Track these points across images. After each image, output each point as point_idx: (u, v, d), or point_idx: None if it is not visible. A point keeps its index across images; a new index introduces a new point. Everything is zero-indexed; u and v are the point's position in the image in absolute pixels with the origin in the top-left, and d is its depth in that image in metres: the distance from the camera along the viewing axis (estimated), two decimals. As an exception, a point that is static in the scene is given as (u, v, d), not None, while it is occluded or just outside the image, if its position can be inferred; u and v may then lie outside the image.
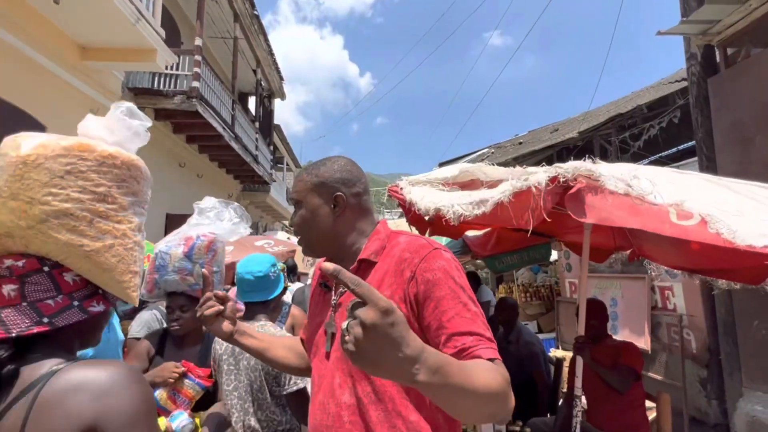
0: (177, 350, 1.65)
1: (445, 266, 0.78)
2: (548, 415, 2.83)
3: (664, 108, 6.48)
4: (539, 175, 1.25)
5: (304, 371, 1.06)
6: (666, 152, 7.52)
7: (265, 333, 1.14)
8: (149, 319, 2.34)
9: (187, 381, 1.50)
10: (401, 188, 1.71)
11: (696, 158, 3.63)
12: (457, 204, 1.34)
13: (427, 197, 1.48)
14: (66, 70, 4.88)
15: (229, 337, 0.99)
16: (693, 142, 7.29)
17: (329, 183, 0.90)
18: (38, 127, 4.58)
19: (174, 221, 7.71)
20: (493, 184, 1.41)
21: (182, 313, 1.61)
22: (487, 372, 0.64)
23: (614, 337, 3.87)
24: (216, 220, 1.74)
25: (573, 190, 1.24)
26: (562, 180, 1.23)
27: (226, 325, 0.98)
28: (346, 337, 0.52)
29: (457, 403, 0.59)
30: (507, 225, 1.47)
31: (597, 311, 2.41)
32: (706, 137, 3.22)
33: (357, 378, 0.80)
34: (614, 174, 1.23)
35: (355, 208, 0.91)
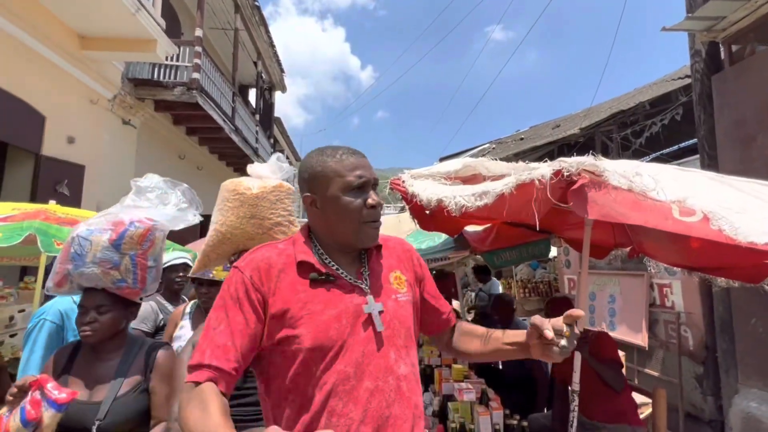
0: (91, 362, 1.31)
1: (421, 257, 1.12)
2: (546, 410, 2.86)
3: (666, 105, 6.46)
4: (543, 168, 1.24)
5: None
6: (667, 149, 7.51)
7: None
8: (144, 312, 2.24)
9: (37, 400, 1.13)
10: (403, 181, 1.70)
11: (697, 156, 3.63)
12: (459, 195, 1.34)
13: (429, 189, 1.47)
14: (65, 59, 4.84)
15: None
16: (695, 140, 7.28)
17: None
18: (37, 117, 4.55)
19: (174, 213, 7.71)
20: (495, 179, 1.40)
21: (98, 315, 1.29)
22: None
23: (610, 333, 3.89)
24: (158, 204, 1.47)
25: (576, 185, 1.24)
26: (566, 174, 1.22)
27: None
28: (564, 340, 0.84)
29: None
30: (509, 218, 1.47)
31: (566, 308, 2.42)
32: (708, 135, 3.21)
33: (410, 346, 0.92)
34: (617, 170, 1.23)
35: None
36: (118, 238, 1.32)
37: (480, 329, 1.05)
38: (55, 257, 1.41)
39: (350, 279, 0.90)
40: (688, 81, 6.14)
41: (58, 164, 4.80)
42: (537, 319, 0.86)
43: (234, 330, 0.80)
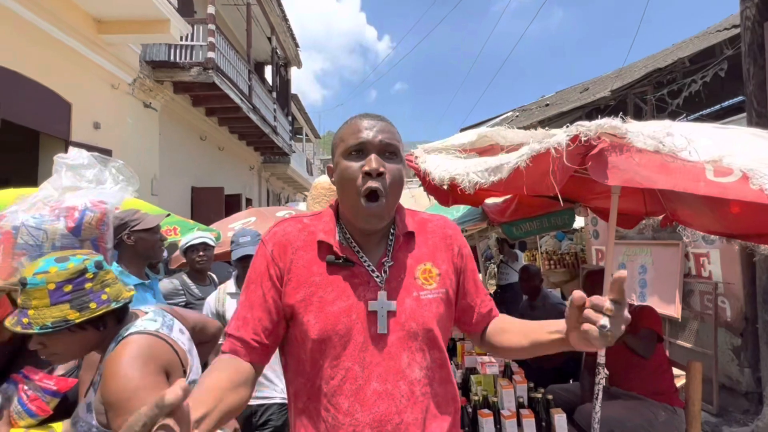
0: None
1: (468, 245, 0.96)
2: (571, 381, 2.83)
3: (708, 60, 5.93)
4: (559, 136, 1.14)
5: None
6: (708, 110, 6.96)
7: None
8: (167, 291, 2.31)
9: (34, 396, 1.17)
10: (416, 157, 1.62)
11: (743, 114, 3.32)
12: (472, 172, 1.26)
13: (441, 166, 1.39)
14: (84, 45, 4.90)
15: None
16: (740, 98, 6.70)
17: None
18: (64, 104, 4.68)
19: (199, 194, 7.92)
20: (513, 149, 1.31)
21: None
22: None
23: (639, 303, 3.76)
24: (96, 183, 1.41)
25: (595, 150, 1.13)
26: (584, 139, 1.12)
27: None
28: (604, 319, 0.64)
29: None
30: (530, 192, 1.39)
31: (602, 281, 2.32)
32: (757, 90, 2.92)
33: (431, 348, 0.81)
34: (643, 131, 1.11)
35: None
36: (76, 225, 1.27)
37: (516, 322, 0.91)
38: None
39: (369, 267, 0.81)
40: (735, 32, 5.57)
41: (87, 150, 4.94)
42: (576, 294, 0.66)
43: (253, 303, 0.81)
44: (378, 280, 0.80)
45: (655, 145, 1.08)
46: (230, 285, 2.14)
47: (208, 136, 8.49)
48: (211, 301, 2.12)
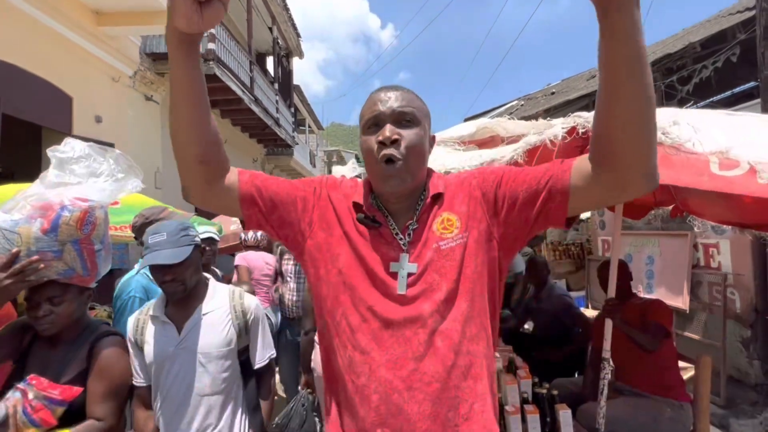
0: (45, 350, 1.24)
1: (497, 169, 0.86)
2: (576, 374, 2.81)
3: (720, 45, 5.76)
4: (555, 128, 1.08)
5: (210, 157, 0.80)
6: (719, 96, 6.79)
7: None
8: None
9: (39, 405, 1.13)
10: None
11: (757, 100, 3.22)
12: (467, 166, 1.21)
13: (438, 160, 1.34)
14: (84, 38, 4.86)
15: (184, 36, 0.66)
16: (753, 83, 6.52)
17: (430, 119, 0.89)
18: (65, 98, 4.66)
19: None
20: (514, 140, 1.26)
21: (53, 306, 1.20)
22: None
23: (648, 296, 3.72)
24: (89, 177, 1.25)
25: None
26: (581, 131, 1.06)
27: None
28: None
29: (639, 53, 0.60)
30: None
31: (619, 271, 2.28)
32: (772, 75, 2.83)
33: (457, 299, 0.78)
34: None
35: (430, 152, 0.91)
36: (51, 226, 1.14)
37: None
38: None
39: (394, 230, 0.84)
40: (748, 14, 5.40)
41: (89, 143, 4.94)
42: None
43: (281, 182, 0.88)
44: (401, 242, 0.82)
45: (658, 136, 1.02)
46: (155, 306, 1.38)
47: (210, 128, 8.45)
48: (129, 326, 1.37)
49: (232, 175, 0.84)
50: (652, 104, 0.62)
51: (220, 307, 1.37)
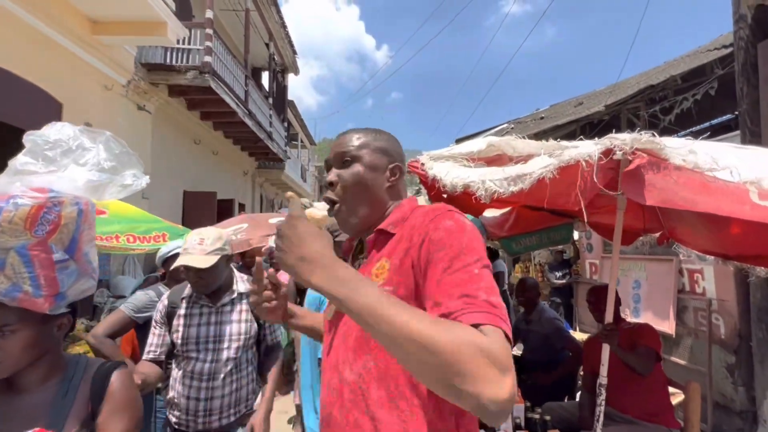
0: (7, 400, 0.91)
1: (452, 226, 0.70)
2: (566, 398, 2.79)
3: (700, 79, 6.05)
4: (588, 147, 1.08)
5: None
6: (699, 126, 7.09)
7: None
8: (140, 303, 2.03)
9: None
10: (422, 164, 1.58)
11: (735, 132, 3.36)
12: (489, 180, 1.19)
13: (452, 172, 1.33)
14: (78, 45, 4.83)
15: (285, 319, 0.98)
16: (729, 116, 6.83)
17: (390, 151, 0.89)
18: (55, 105, 4.59)
19: (191, 199, 7.80)
20: (521, 159, 1.27)
21: (1, 338, 0.87)
22: (441, 325, 0.55)
23: (635, 320, 3.74)
24: (69, 164, 0.95)
25: (631, 167, 1.05)
26: (618, 153, 1.06)
27: (282, 314, 0.95)
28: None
29: (378, 337, 0.57)
30: (549, 205, 1.32)
31: (605, 297, 2.31)
32: (751, 109, 2.96)
33: (359, 353, 0.75)
34: (676, 147, 1.06)
35: (400, 184, 0.90)
36: None
37: None
38: None
39: (350, 262, 0.92)
40: (725, 51, 5.70)
41: (77, 151, 4.85)
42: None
43: None
44: None
45: (694, 162, 1.03)
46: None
47: (202, 140, 8.40)
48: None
49: None
50: (415, 366, 0.56)
51: None
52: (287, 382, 3.67)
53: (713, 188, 1.02)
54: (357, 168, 0.83)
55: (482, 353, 0.53)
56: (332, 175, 0.85)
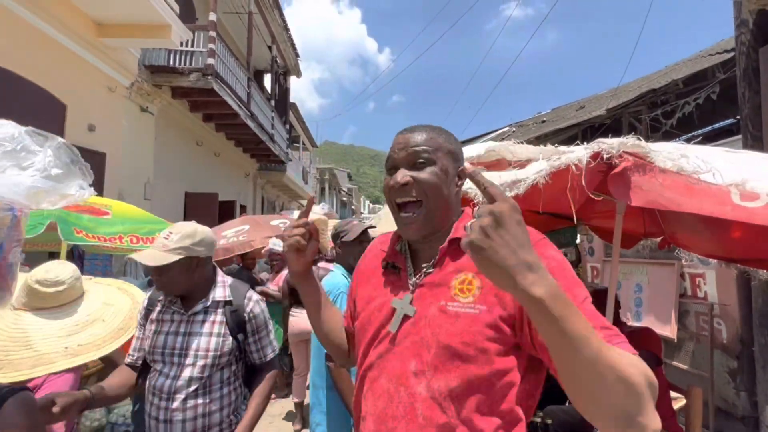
0: None
1: (558, 257, 0.72)
2: (567, 402, 2.78)
3: (701, 83, 6.05)
4: (579, 152, 1.12)
5: (341, 354, 1.00)
6: (701, 131, 7.09)
7: None
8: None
9: None
10: None
11: (738, 137, 3.37)
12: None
13: None
14: (83, 47, 4.87)
15: (301, 274, 0.92)
16: (731, 120, 6.83)
17: (458, 154, 0.85)
18: (59, 105, 4.62)
19: (193, 200, 7.82)
20: (521, 164, 1.29)
21: None
22: (625, 357, 0.55)
23: (637, 324, 3.73)
24: (8, 166, 0.85)
25: (618, 169, 1.10)
26: (605, 157, 1.09)
27: (304, 262, 0.90)
28: (472, 230, 0.52)
29: (577, 366, 0.52)
30: (544, 209, 1.34)
31: (605, 301, 2.30)
32: (752, 113, 2.96)
33: (449, 370, 0.70)
34: (663, 151, 1.09)
35: (460, 189, 0.86)
36: None
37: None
38: (74, 245, 1.21)
39: (410, 272, 0.84)
40: (726, 56, 5.71)
41: (80, 152, 4.83)
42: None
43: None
44: (411, 282, 0.82)
45: (677, 165, 1.06)
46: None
47: (204, 141, 8.44)
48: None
49: (344, 334, 1.00)
50: (605, 400, 0.53)
51: None
52: (286, 385, 3.96)
53: (696, 190, 1.05)
54: (434, 170, 0.79)
55: (651, 386, 0.55)
56: (404, 176, 0.78)
